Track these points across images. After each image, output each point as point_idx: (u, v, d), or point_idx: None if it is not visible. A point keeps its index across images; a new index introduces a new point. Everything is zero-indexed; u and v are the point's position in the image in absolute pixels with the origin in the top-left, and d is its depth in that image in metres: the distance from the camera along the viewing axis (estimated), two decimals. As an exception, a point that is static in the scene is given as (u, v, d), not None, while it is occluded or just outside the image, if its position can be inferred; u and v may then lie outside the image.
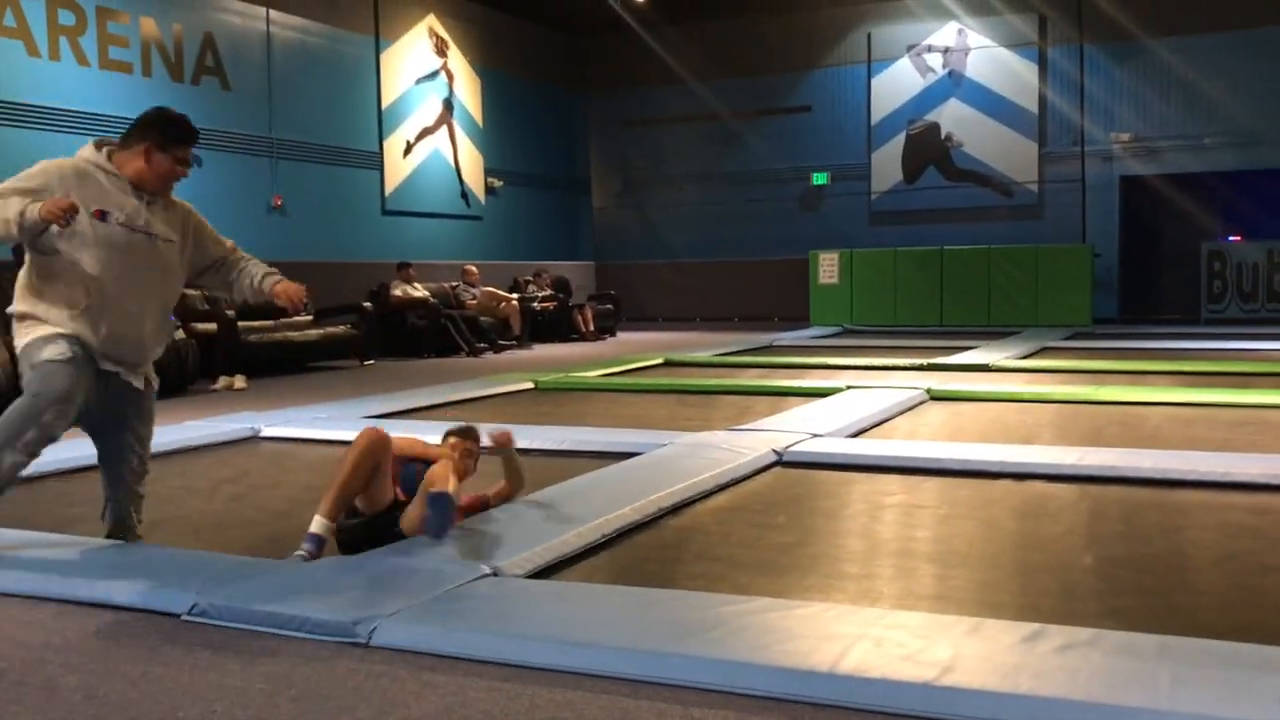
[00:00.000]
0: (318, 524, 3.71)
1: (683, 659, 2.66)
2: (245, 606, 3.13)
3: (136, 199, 3.80)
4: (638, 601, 3.13)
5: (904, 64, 18.35)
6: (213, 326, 10.39)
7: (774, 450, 5.59)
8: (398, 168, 15.86)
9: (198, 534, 4.38)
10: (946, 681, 2.47)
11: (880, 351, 12.06)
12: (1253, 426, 6.53)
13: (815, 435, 6.05)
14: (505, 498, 4.33)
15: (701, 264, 19.78)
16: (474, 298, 14.71)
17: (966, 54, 17.94)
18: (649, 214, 20.48)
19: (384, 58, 15.59)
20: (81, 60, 11.29)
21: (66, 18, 11.15)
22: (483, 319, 14.24)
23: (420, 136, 16.34)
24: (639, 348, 13.71)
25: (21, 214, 3.58)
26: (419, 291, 13.85)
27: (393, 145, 15.76)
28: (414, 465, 4.01)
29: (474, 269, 15.31)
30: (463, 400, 8.39)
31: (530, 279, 16.51)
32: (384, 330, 13.31)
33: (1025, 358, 11.03)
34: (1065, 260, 16.45)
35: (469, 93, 17.46)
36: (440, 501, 3.65)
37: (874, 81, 18.55)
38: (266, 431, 6.80)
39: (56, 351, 3.68)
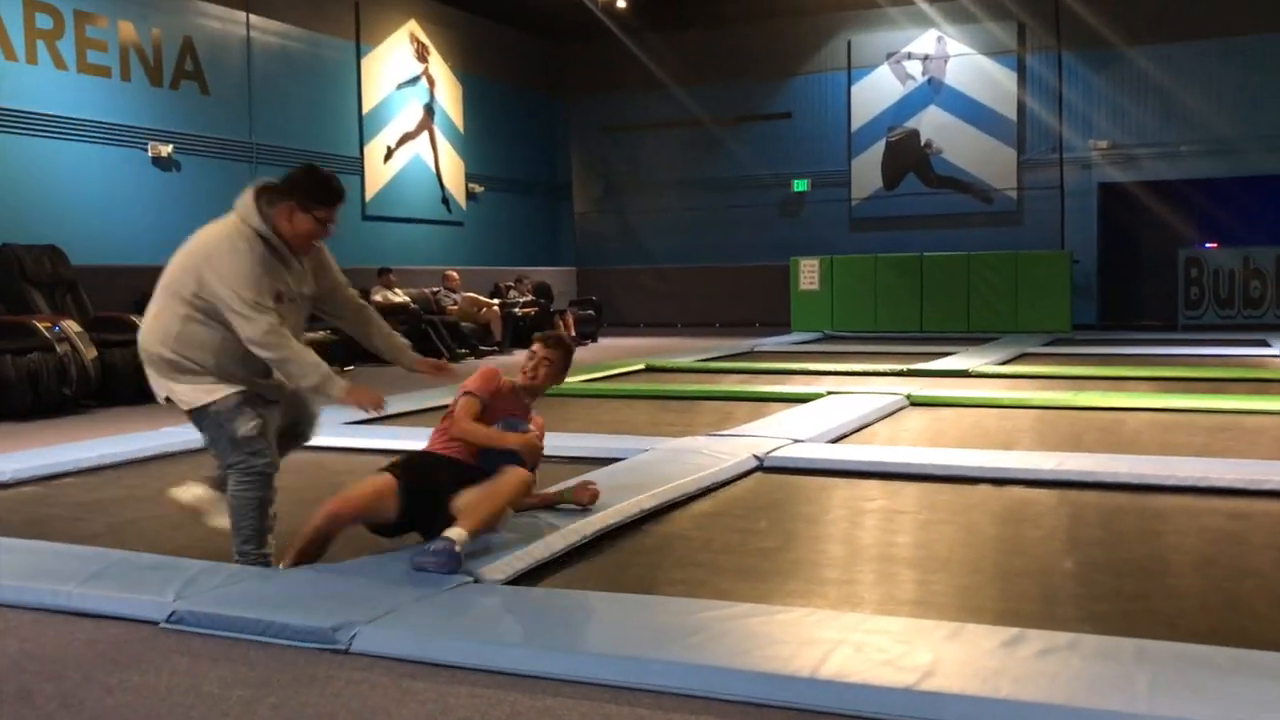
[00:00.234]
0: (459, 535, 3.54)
1: (664, 665, 2.66)
2: (224, 613, 3.11)
3: (294, 264, 3.82)
4: (619, 607, 3.13)
5: (884, 71, 18.43)
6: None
7: (755, 456, 5.59)
8: (378, 173, 15.82)
9: (178, 538, 4.35)
10: (927, 686, 2.48)
11: (861, 357, 12.09)
12: (1230, 432, 6.58)
13: (796, 441, 6.06)
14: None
15: (683, 269, 19.80)
16: (455, 303, 14.68)
17: (946, 61, 18.03)
18: (630, 219, 20.48)
19: (365, 63, 15.56)
20: (59, 64, 11.22)
21: (44, 21, 11.08)
22: (464, 324, 14.22)
23: (401, 142, 16.31)
24: (620, 353, 13.71)
25: (328, 379, 3.67)
26: (399, 297, 13.81)
27: (373, 150, 15.72)
28: (491, 452, 3.96)
29: (455, 274, 15.28)
30: (443, 406, 8.35)
31: (511, 284, 16.50)
32: (364, 336, 13.25)
33: (1005, 364, 11.08)
34: (1044, 267, 16.54)
35: (450, 98, 17.44)
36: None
37: (854, 88, 18.61)
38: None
39: (249, 426, 3.68)
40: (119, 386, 9.02)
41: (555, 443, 6.17)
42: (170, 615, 3.18)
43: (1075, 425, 7.01)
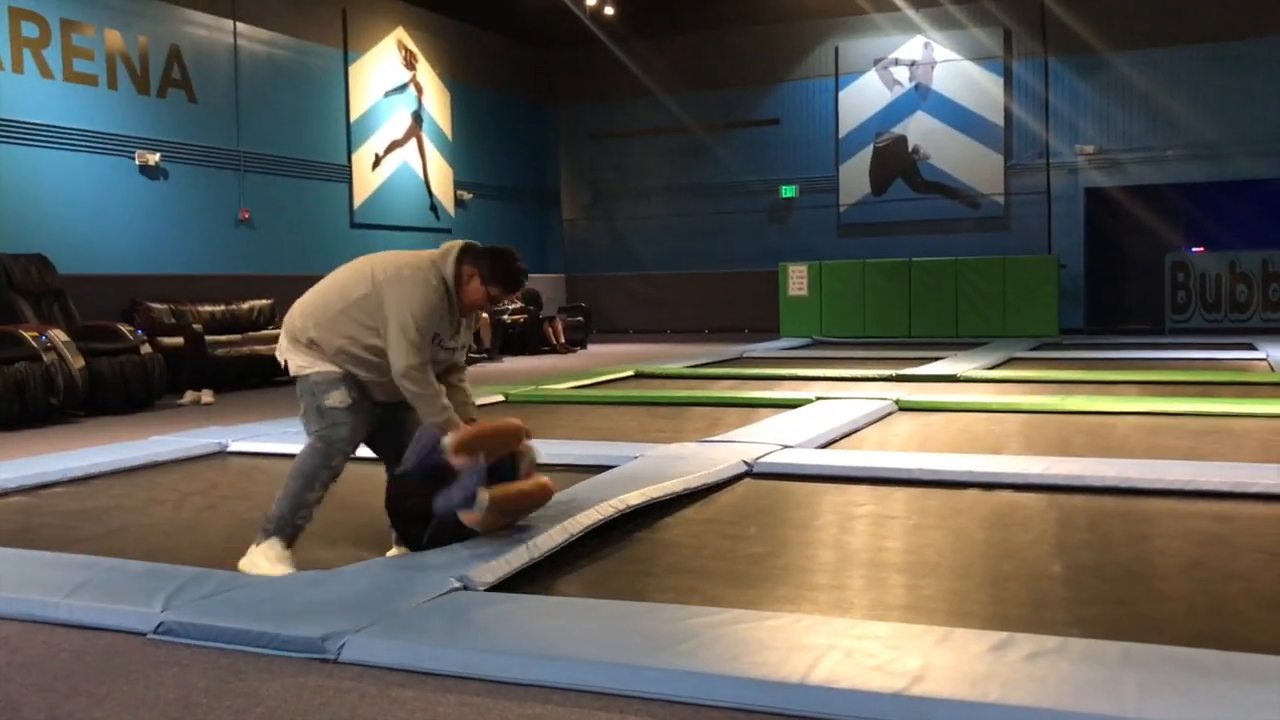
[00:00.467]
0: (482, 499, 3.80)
1: (654, 671, 2.66)
2: (212, 624, 3.11)
3: (460, 320, 4.06)
4: (608, 614, 3.13)
5: (871, 77, 18.48)
6: (180, 341, 10.31)
7: (744, 461, 5.60)
8: (366, 180, 15.80)
9: (166, 547, 4.33)
10: (916, 691, 2.48)
11: (849, 363, 12.11)
12: (1217, 435, 6.61)
13: (785, 446, 6.06)
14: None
15: (672, 276, 19.82)
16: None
17: (933, 67, 18.09)
18: (619, 226, 20.50)
19: (352, 70, 15.55)
20: (45, 73, 11.19)
21: (30, 30, 11.05)
22: (452, 332, 14.18)
23: (389, 149, 16.29)
24: (610, 360, 13.71)
25: (452, 424, 3.87)
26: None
27: (361, 158, 15.70)
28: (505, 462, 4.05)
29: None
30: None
31: (500, 292, 16.46)
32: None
33: (993, 368, 11.11)
34: (1031, 271, 16.60)
35: (438, 105, 17.43)
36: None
37: (841, 94, 18.67)
38: (234, 446, 6.75)
39: (340, 398, 3.91)
40: (106, 396, 8.99)
41: (545, 450, 6.18)
42: (158, 626, 3.17)
43: (1063, 429, 7.03)
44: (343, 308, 3.91)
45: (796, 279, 17.81)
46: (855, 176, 18.65)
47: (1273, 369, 10.57)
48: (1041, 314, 16.38)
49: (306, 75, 14.78)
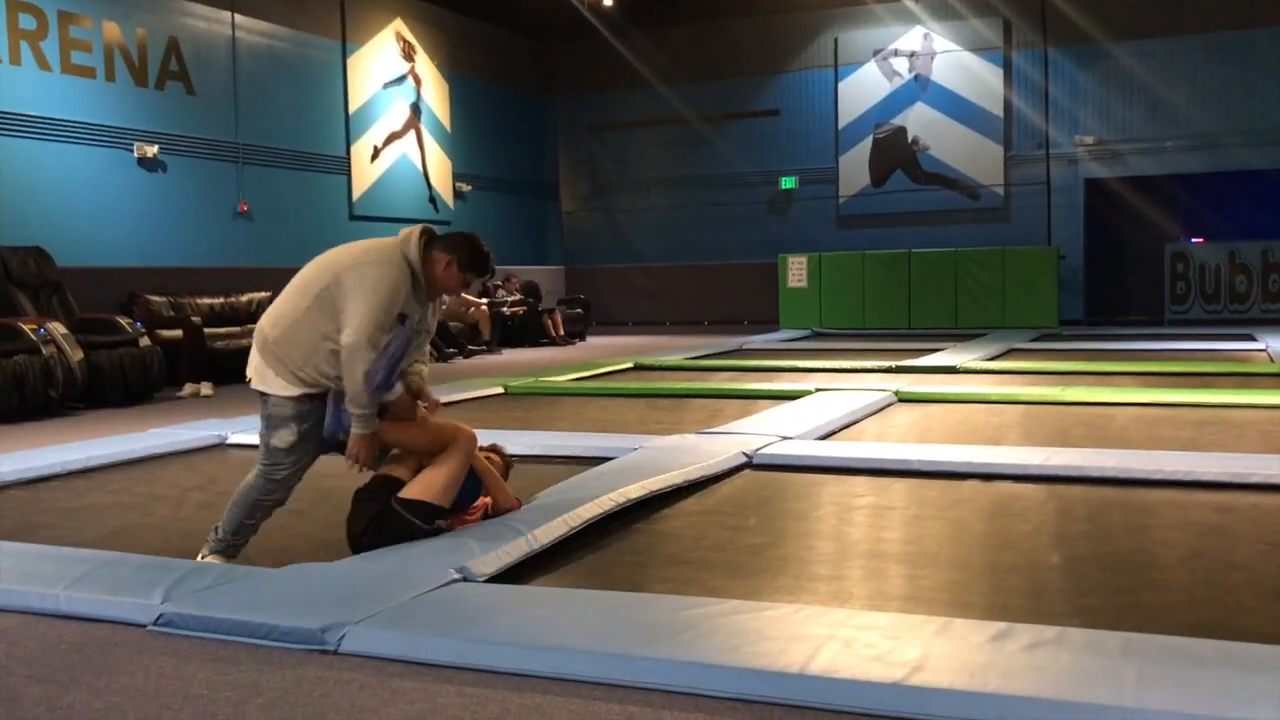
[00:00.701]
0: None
1: (652, 662, 2.66)
2: (212, 615, 3.11)
3: (426, 302, 4.06)
4: (608, 605, 3.13)
5: (870, 68, 18.45)
6: (179, 333, 10.31)
7: (744, 453, 5.60)
8: (365, 173, 15.78)
9: (165, 540, 4.34)
10: (916, 681, 2.48)
11: (849, 354, 12.11)
12: (1216, 426, 6.61)
13: (785, 438, 6.06)
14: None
15: (671, 268, 19.81)
16: (443, 303, 14.63)
17: (932, 58, 18.06)
18: (618, 218, 20.48)
19: (351, 62, 15.52)
20: (43, 65, 11.16)
21: (27, 21, 11.02)
22: (452, 324, 14.20)
23: (388, 141, 16.27)
24: (609, 352, 13.71)
25: (366, 419, 3.85)
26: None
27: (360, 150, 15.68)
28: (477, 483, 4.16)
29: (443, 274, 15.23)
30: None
31: (499, 284, 16.47)
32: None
33: (992, 359, 11.11)
34: (1031, 262, 16.59)
35: (437, 97, 17.40)
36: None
37: (841, 85, 18.63)
38: (233, 439, 6.75)
39: (287, 440, 3.90)
40: (105, 388, 8.99)
41: (544, 441, 6.20)
42: (158, 618, 3.17)
43: (1062, 420, 7.04)
44: (306, 307, 3.87)
45: (796, 270, 17.79)
46: (855, 168, 18.63)
47: (1272, 360, 10.57)
48: (1041, 305, 16.37)
49: (305, 67, 14.75)
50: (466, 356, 13.74)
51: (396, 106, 16.45)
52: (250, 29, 13.79)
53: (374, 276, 3.83)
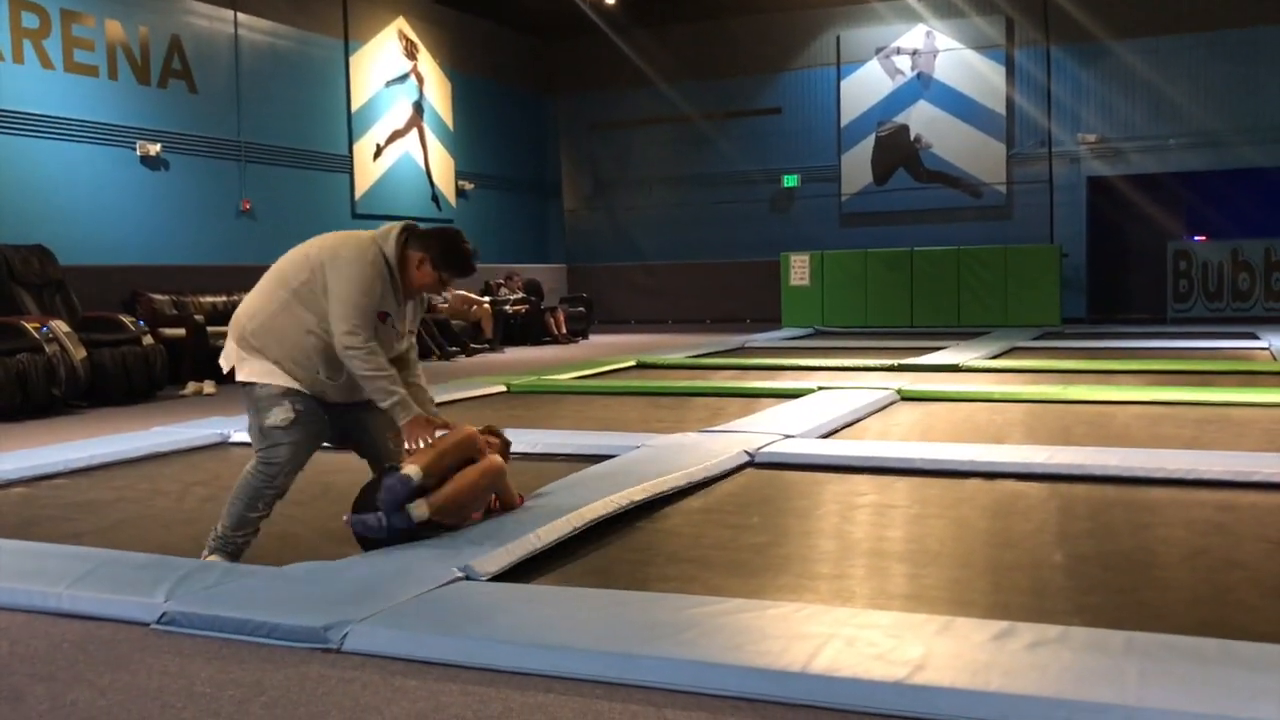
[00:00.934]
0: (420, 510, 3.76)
1: (655, 660, 2.67)
2: (215, 614, 3.11)
3: (404, 299, 3.99)
4: (610, 603, 3.13)
5: (873, 66, 18.44)
6: (181, 332, 10.32)
7: (746, 451, 5.60)
8: (368, 171, 15.79)
9: (168, 538, 4.34)
10: (918, 680, 2.48)
11: (851, 352, 12.11)
12: (1218, 424, 6.61)
13: (787, 436, 6.06)
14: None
15: (673, 266, 19.80)
16: (445, 301, 14.65)
17: (934, 56, 18.05)
18: (620, 216, 20.48)
19: (353, 61, 15.52)
20: (46, 63, 11.17)
21: (30, 20, 11.03)
22: (454, 322, 14.20)
23: (390, 139, 16.28)
24: (611, 350, 13.71)
25: (401, 405, 3.83)
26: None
27: (363, 148, 15.69)
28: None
29: (445, 272, 15.23)
30: (435, 404, 8.33)
31: (502, 282, 16.48)
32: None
33: (995, 358, 11.10)
34: (1033, 261, 16.59)
35: (439, 96, 17.41)
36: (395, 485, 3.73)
37: (843, 84, 18.63)
38: (236, 437, 6.75)
39: (282, 417, 3.83)
40: (108, 387, 9.00)
41: (547, 440, 6.20)
42: (161, 616, 3.17)
43: (1065, 419, 7.03)
44: (285, 299, 3.84)
45: (798, 269, 17.79)
46: (857, 166, 18.62)
47: (1275, 358, 10.57)
48: (1043, 303, 16.36)
49: (307, 65, 14.76)
50: (469, 355, 13.74)
51: (399, 105, 16.46)
52: (253, 27, 13.80)
53: (348, 273, 3.80)
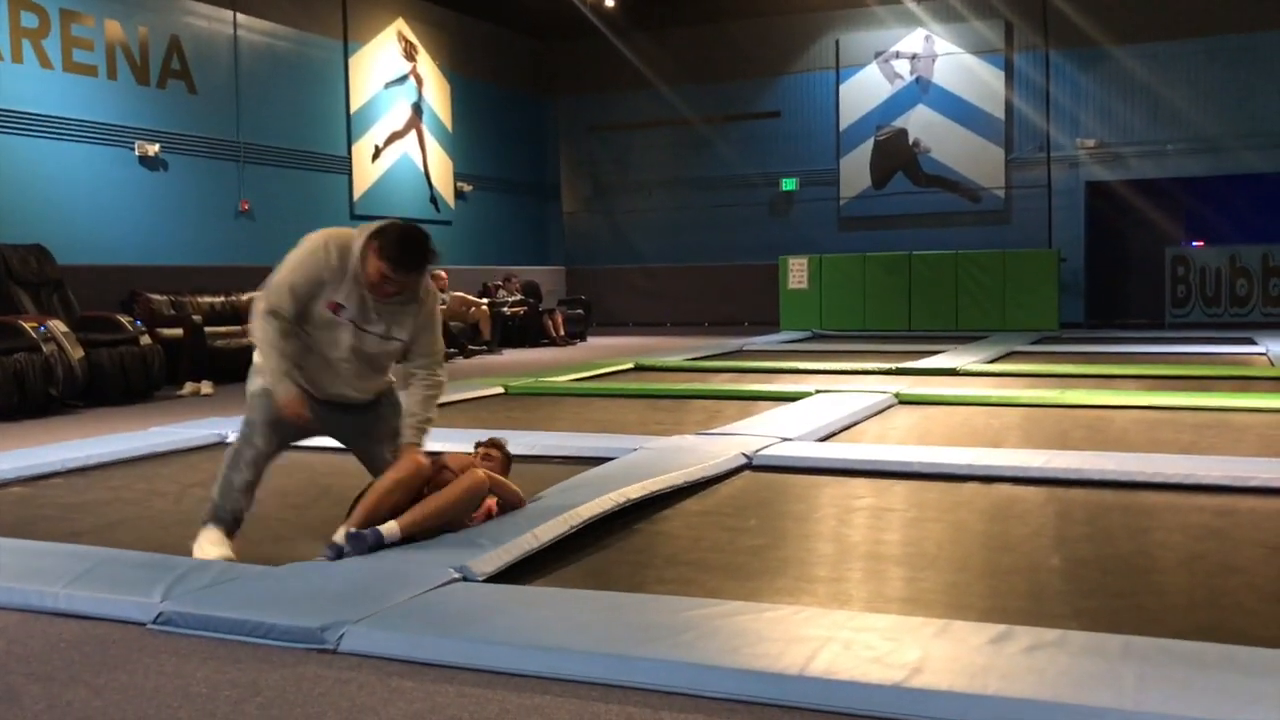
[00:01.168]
0: (390, 530, 3.72)
1: (652, 662, 2.66)
2: (211, 614, 3.10)
3: (379, 298, 3.88)
4: (607, 605, 3.13)
5: (872, 70, 18.46)
6: (179, 332, 10.31)
7: (744, 454, 5.60)
8: (366, 172, 15.79)
9: (165, 537, 4.33)
10: (915, 683, 2.48)
11: (849, 356, 12.10)
12: (1216, 429, 6.61)
13: (785, 439, 6.06)
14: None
15: (672, 269, 19.81)
16: (443, 303, 14.66)
17: (934, 60, 18.07)
18: (619, 219, 20.49)
19: (352, 62, 15.53)
20: (45, 63, 11.17)
21: (29, 20, 11.03)
22: (452, 324, 14.20)
23: (389, 141, 16.28)
24: (609, 352, 13.71)
25: (274, 377, 3.84)
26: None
27: (361, 149, 15.70)
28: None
29: (443, 274, 15.24)
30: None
31: (500, 284, 16.48)
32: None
33: (993, 362, 11.11)
34: (1032, 265, 16.60)
35: (438, 97, 17.41)
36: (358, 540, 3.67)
37: (842, 87, 18.65)
38: (233, 438, 6.73)
39: (259, 384, 3.96)
40: (106, 387, 8.99)
41: (544, 442, 6.20)
42: (157, 616, 3.17)
43: (1062, 423, 7.03)
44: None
45: (796, 272, 17.80)
46: (856, 170, 18.64)
47: (1272, 364, 10.57)
48: (1041, 308, 16.37)
49: (307, 66, 14.76)
50: (467, 356, 13.74)
51: (398, 106, 16.46)
52: (252, 28, 13.80)
53: (289, 255, 3.88)
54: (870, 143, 18.52)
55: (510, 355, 14.22)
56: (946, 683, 2.47)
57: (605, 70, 19.85)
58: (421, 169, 17.03)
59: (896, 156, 18.40)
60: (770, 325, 17.98)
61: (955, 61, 17.92)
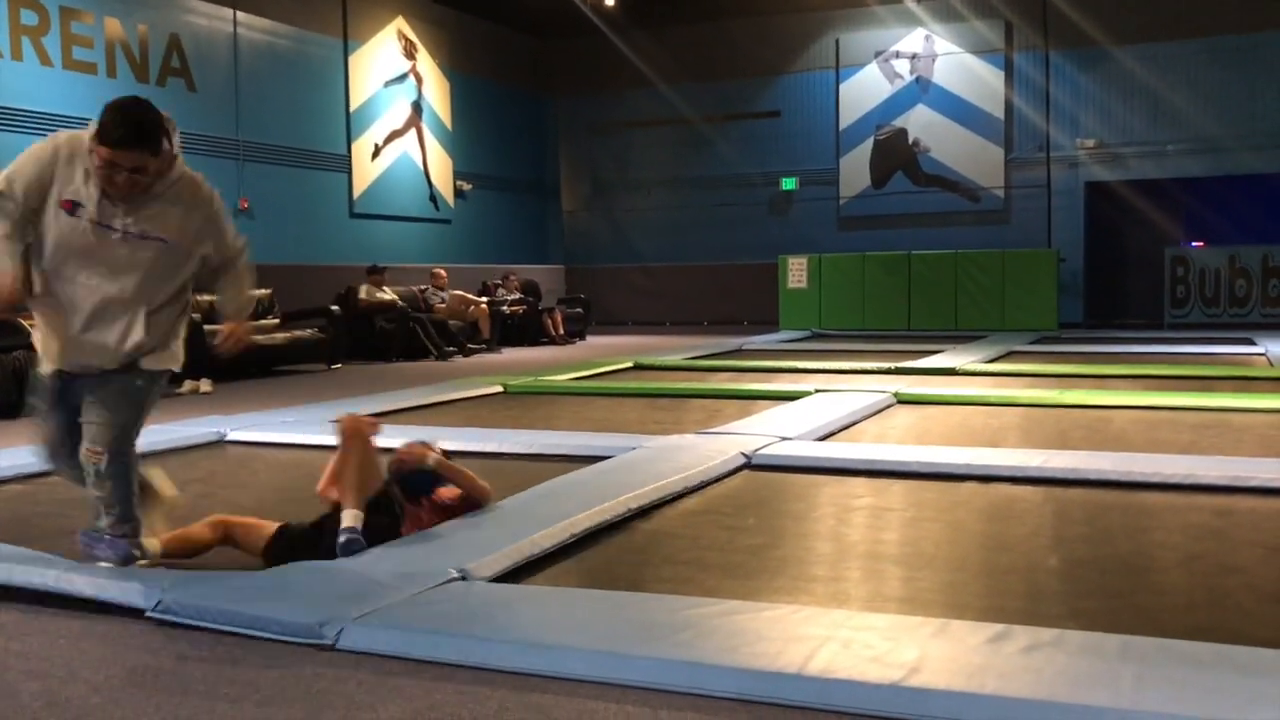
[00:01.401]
0: (351, 517, 3.71)
1: (651, 661, 2.66)
2: (210, 609, 3.10)
3: (97, 187, 3.46)
4: (606, 604, 3.13)
5: (872, 70, 18.46)
6: (178, 330, 10.29)
7: (743, 453, 5.60)
8: (366, 170, 15.79)
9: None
10: (913, 682, 2.48)
11: (848, 355, 12.10)
12: (1215, 429, 6.61)
13: (784, 438, 6.06)
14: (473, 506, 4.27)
15: (671, 268, 19.81)
16: (443, 301, 14.66)
17: (934, 60, 18.07)
18: (618, 218, 20.49)
19: (352, 60, 15.52)
20: (44, 60, 11.17)
21: (29, 17, 11.03)
22: (452, 322, 14.20)
23: (389, 139, 16.28)
24: (608, 351, 13.71)
25: None
26: (387, 295, 13.79)
27: (361, 148, 15.69)
28: (426, 474, 4.09)
29: (443, 272, 15.26)
30: (431, 404, 8.36)
31: (499, 282, 16.48)
32: (352, 334, 13.23)
33: (991, 361, 11.11)
34: (1031, 265, 16.60)
35: (438, 96, 17.41)
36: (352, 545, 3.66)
37: (842, 87, 18.65)
38: (233, 435, 6.75)
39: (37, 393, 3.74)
40: (105, 384, 8.97)
41: (543, 440, 6.20)
42: (156, 604, 3.16)
43: (1061, 423, 7.04)
44: None
45: (796, 271, 17.80)
46: (855, 169, 18.64)
47: (1271, 364, 10.58)
48: (1041, 308, 16.37)
49: (306, 65, 14.76)
50: (466, 355, 13.74)
51: (397, 104, 16.46)
52: (252, 26, 13.79)
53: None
54: (870, 142, 18.52)
55: (509, 354, 14.22)
56: (944, 682, 2.48)
57: (605, 69, 19.85)
58: (421, 167, 17.02)
59: (896, 156, 18.40)
60: (769, 324, 17.98)
61: (955, 61, 17.92)
